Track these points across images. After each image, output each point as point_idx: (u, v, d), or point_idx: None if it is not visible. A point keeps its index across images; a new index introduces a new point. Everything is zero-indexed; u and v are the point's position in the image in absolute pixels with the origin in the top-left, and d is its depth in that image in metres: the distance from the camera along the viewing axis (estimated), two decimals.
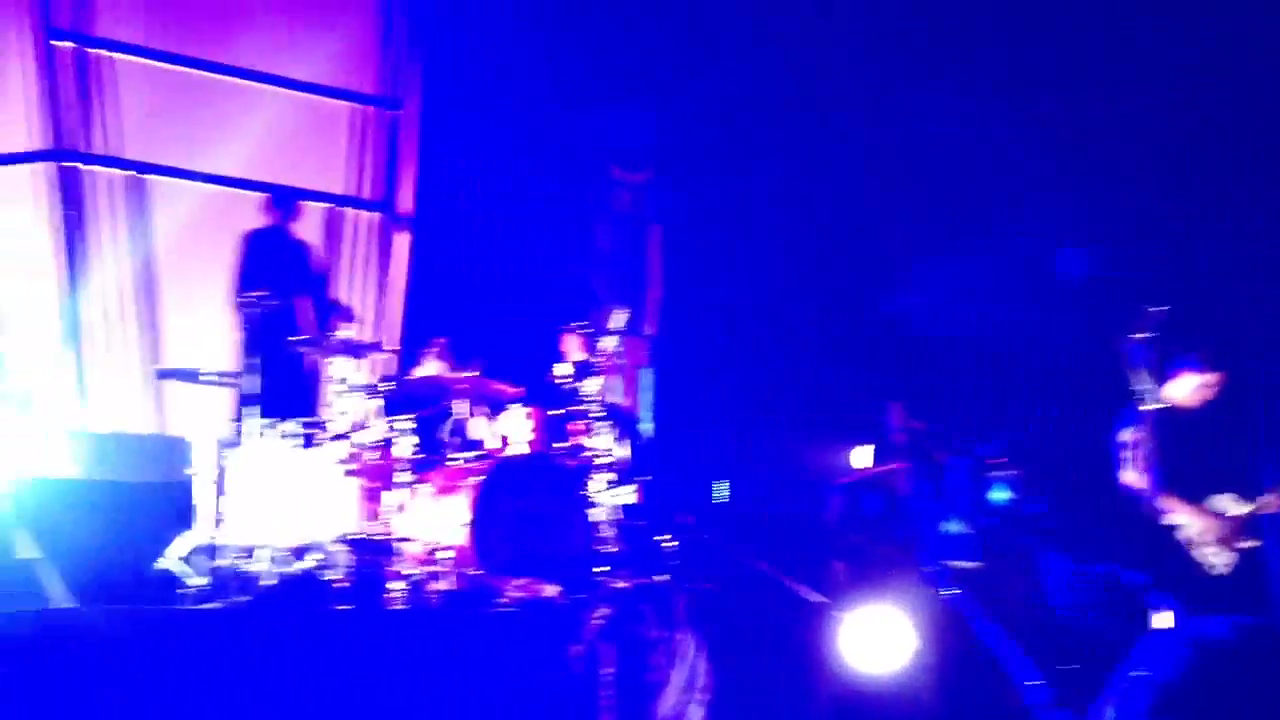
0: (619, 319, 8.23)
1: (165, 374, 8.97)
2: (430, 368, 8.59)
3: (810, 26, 10.71)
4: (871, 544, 8.02)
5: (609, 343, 8.01)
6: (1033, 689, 6.23)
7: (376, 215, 10.83)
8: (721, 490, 9.63)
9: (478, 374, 8.07)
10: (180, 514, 7.36)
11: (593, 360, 7.91)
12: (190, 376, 7.56)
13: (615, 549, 7.32)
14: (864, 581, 6.91)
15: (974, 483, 8.33)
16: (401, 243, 10.87)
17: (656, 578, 6.97)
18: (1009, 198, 10.49)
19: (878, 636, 6.25)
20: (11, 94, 9.49)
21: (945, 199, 10.55)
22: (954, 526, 7.94)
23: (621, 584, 6.92)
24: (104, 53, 9.70)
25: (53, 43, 9.49)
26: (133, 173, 9.76)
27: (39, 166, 9.50)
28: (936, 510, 8.08)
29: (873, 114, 10.72)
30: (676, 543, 7.58)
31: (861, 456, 9.09)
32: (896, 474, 8.81)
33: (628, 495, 7.94)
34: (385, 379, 8.45)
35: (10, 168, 9.54)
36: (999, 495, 8.23)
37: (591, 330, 8.13)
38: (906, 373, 10.18)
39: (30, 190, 9.49)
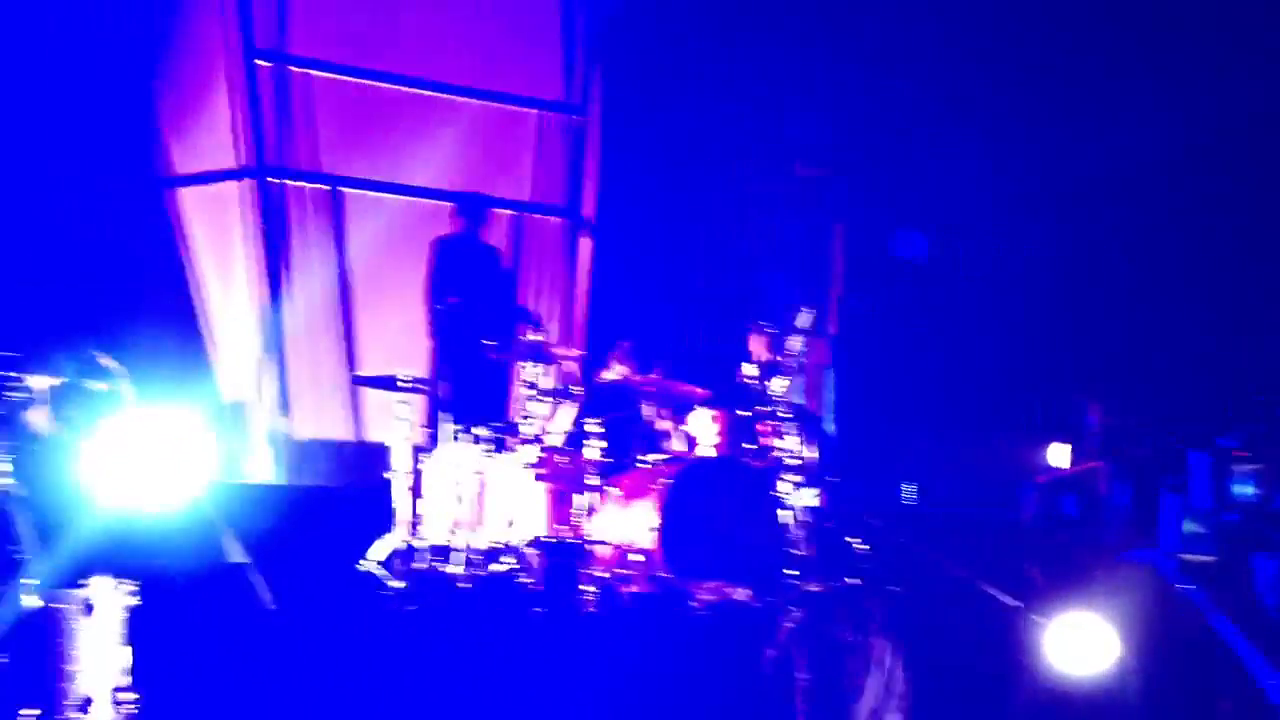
0: (805, 318, 8.18)
1: (362, 380, 9.20)
2: (616, 371, 8.66)
3: (996, 19, 10.51)
4: (1071, 546, 7.83)
5: (795, 342, 7.97)
6: (1274, 687, 6.00)
7: (559, 220, 10.97)
8: (910, 492, 9.50)
9: (664, 376, 8.11)
10: (379, 518, 7.57)
11: (779, 360, 7.88)
12: (387, 383, 7.74)
13: (805, 552, 7.29)
14: (1063, 585, 6.74)
15: (1215, 476, 8.04)
16: (585, 247, 10.99)
17: (849, 581, 6.92)
18: None
19: (1081, 642, 6.10)
20: (218, 114, 9.85)
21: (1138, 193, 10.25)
22: (1191, 523, 7.68)
23: (814, 587, 6.89)
24: (303, 70, 10.00)
25: (256, 62, 9.82)
26: (329, 186, 10.05)
27: (242, 183, 9.85)
28: (1174, 504, 7.81)
29: (1054, 110, 10.47)
30: (867, 546, 7.51)
31: (1058, 454, 8.85)
32: (1095, 472, 8.57)
33: (814, 497, 7.90)
34: (574, 383, 8.55)
35: (216, 185, 9.91)
36: (1242, 489, 7.91)
37: (777, 330, 8.10)
38: (1108, 367, 9.89)
39: (235, 206, 9.84)
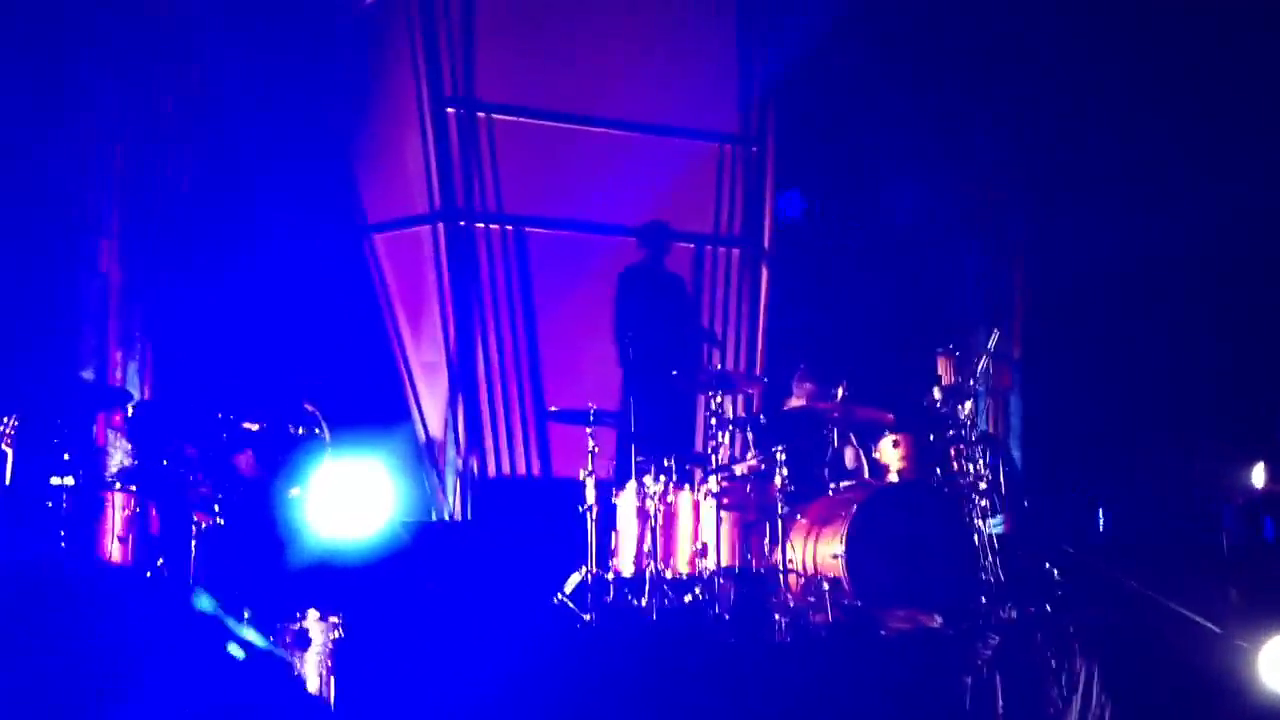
0: (991, 340, 8.12)
1: (553, 415, 9.39)
2: (801, 398, 8.67)
3: (1167, 36, 10.28)
4: (1272, 569, 7.57)
5: (980, 364, 7.91)
6: None
7: (738, 251, 11.04)
8: (1100, 518, 9.30)
9: (848, 402, 8.10)
10: (571, 552, 7.72)
11: (966, 383, 7.82)
12: (578, 417, 7.91)
13: (997, 577, 7.20)
14: (1265, 609, 6.53)
15: None
16: (764, 277, 11.05)
17: (1046, 607, 6.82)
18: None
19: None
20: (409, 161, 10.21)
21: None
22: None
23: (1010, 614, 6.80)
24: (488, 115, 10.29)
25: (446, 110, 10.15)
26: (514, 226, 10.31)
27: (433, 226, 10.17)
28: None
29: (1243, 114, 10.17)
30: (1058, 571, 7.39)
31: (1259, 474, 8.56)
32: None
33: (1003, 523, 7.79)
34: (758, 411, 8.61)
35: (409, 230, 10.26)
36: None
37: (960, 353, 8.03)
38: None
39: (427, 249, 10.17)
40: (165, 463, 6.63)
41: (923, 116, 11.04)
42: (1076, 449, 10.40)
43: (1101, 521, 9.33)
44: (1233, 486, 8.59)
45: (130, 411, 7.03)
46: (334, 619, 5.93)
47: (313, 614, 5.88)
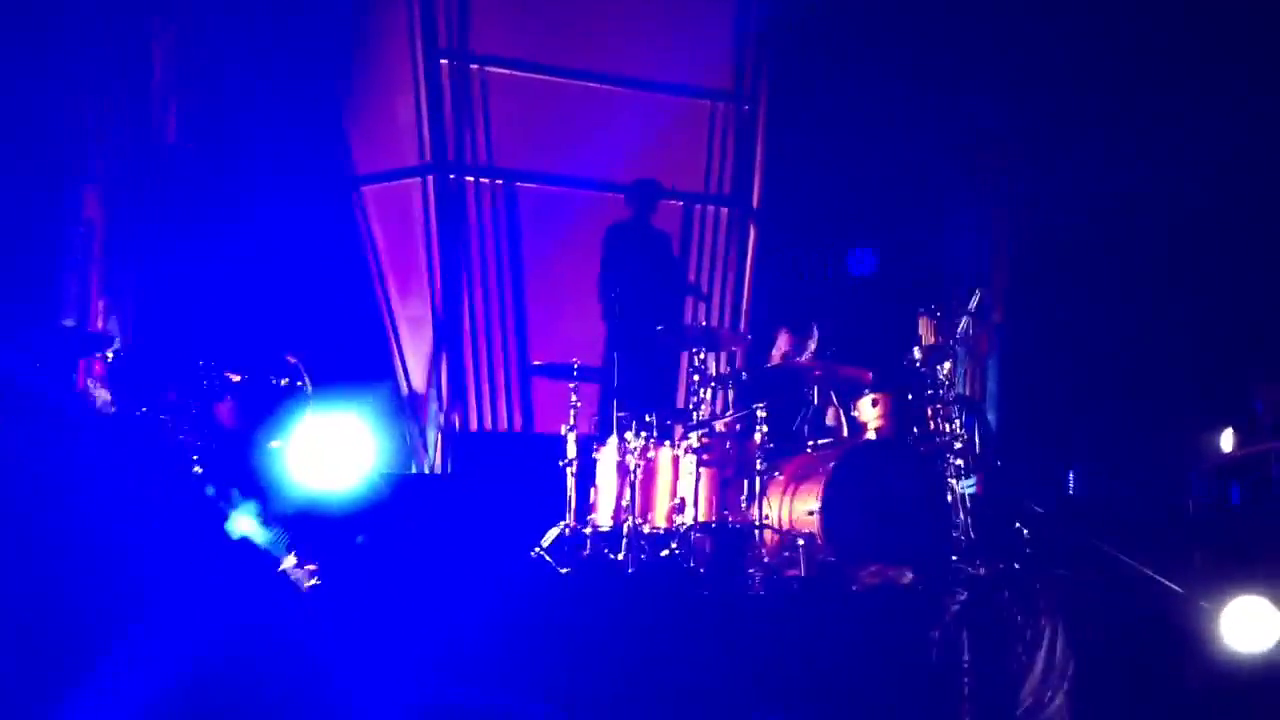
0: (973, 301, 8.15)
1: (536, 370, 9.44)
2: (781, 356, 8.72)
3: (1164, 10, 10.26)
4: (1238, 532, 7.64)
5: (961, 325, 7.95)
6: None
7: (725, 210, 11.06)
8: (1070, 481, 9.36)
9: (828, 360, 8.15)
10: (550, 506, 7.78)
11: (946, 343, 7.86)
12: (561, 371, 7.95)
13: (968, 536, 7.27)
14: (1230, 572, 6.60)
15: None
16: (751, 236, 11.07)
17: (1014, 565, 6.89)
18: None
19: (1248, 627, 5.98)
20: (400, 113, 10.21)
21: None
22: None
23: (979, 570, 6.87)
24: (481, 67, 10.28)
25: (440, 61, 10.13)
26: (505, 181, 10.32)
27: (422, 179, 10.18)
28: None
29: (1231, 81, 10.16)
30: (1027, 531, 7.45)
31: (1228, 440, 8.62)
32: (1265, 457, 8.33)
33: (976, 484, 7.85)
34: (740, 368, 8.65)
35: (398, 182, 10.27)
36: None
37: (942, 314, 8.07)
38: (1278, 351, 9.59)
39: (416, 202, 10.19)
40: (144, 409, 6.67)
41: (913, 80, 11.03)
42: (1050, 414, 10.47)
43: (1072, 484, 9.40)
44: (1201, 452, 8.66)
45: (110, 357, 7.07)
46: (311, 566, 5.99)
47: (289, 560, 5.94)
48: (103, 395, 7.91)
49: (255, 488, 6.92)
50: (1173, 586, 6.43)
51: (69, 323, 8.68)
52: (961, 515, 7.31)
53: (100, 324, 8.89)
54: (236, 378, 7.36)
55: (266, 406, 7.39)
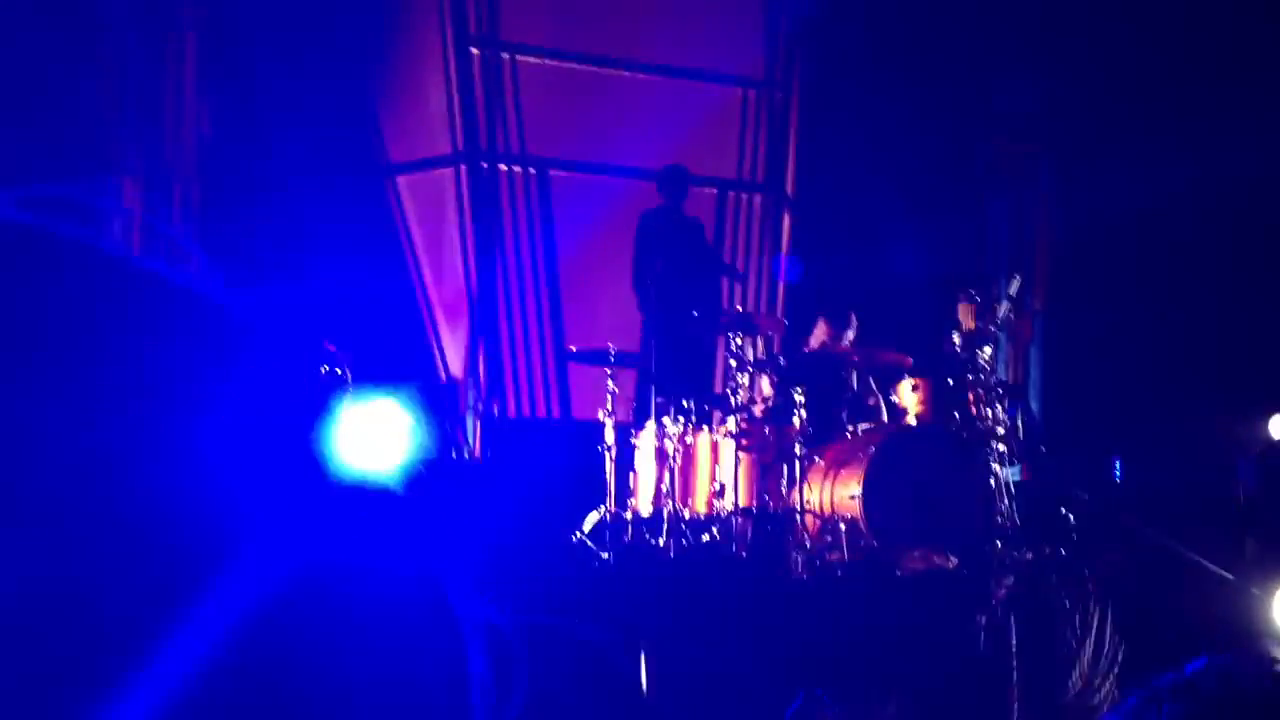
0: (1012, 286, 8.12)
1: (573, 356, 9.43)
2: (820, 340, 8.68)
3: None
4: None
5: (1001, 309, 7.92)
6: None
7: (759, 196, 11.04)
8: (1117, 469, 9.32)
9: (867, 345, 8.12)
10: (590, 492, 7.77)
11: (986, 329, 7.83)
12: (598, 358, 7.94)
13: (1014, 522, 7.24)
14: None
15: None
16: (785, 222, 11.05)
17: (1060, 550, 6.85)
18: None
19: None
20: (432, 101, 10.21)
21: None
22: None
23: (1025, 556, 6.84)
24: (512, 55, 10.28)
25: (470, 49, 10.13)
26: (537, 169, 10.31)
27: (455, 168, 10.18)
28: None
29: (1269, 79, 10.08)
30: (1073, 517, 7.42)
31: (1276, 426, 8.56)
32: None
33: (1020, 471, 7.81)
34: (779, 353, 8.63)
35: (431, 171, 10.27)
36: None
37: (981, 299, 8.04)
38: None
39: (449, 191, 10.19)
40: None
41: (949, 65, 10.97)
42: (1094, 400, 10.41)
43: (1118, 472, 9.35)
44: (1249, 438, 8.60)
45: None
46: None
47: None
48: None
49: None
50: (1223, 573, 6.40)
51: None
52: (1005, 500, 7.27)
53: None
54: None
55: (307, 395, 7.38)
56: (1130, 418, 9.95)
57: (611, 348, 7.89)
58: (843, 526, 7.14)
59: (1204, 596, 6.54)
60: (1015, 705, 6.01)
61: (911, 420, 7.79)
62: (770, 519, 7.41)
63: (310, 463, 0.70)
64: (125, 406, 0.60)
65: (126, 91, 9.23)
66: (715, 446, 7.71)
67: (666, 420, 7.78)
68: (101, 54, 9.14)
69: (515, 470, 8.67)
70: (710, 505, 7.58)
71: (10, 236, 0.64)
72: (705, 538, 7.36)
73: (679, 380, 8.23)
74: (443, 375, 10.11)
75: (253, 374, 0.67)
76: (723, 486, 7.55)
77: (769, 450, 7.66)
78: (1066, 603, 6.22)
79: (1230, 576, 6.55)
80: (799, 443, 7.46)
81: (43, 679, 0.55)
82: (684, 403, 7.85)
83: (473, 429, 9.95)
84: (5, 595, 0.55)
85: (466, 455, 9.76)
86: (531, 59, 10.36)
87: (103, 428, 0.59)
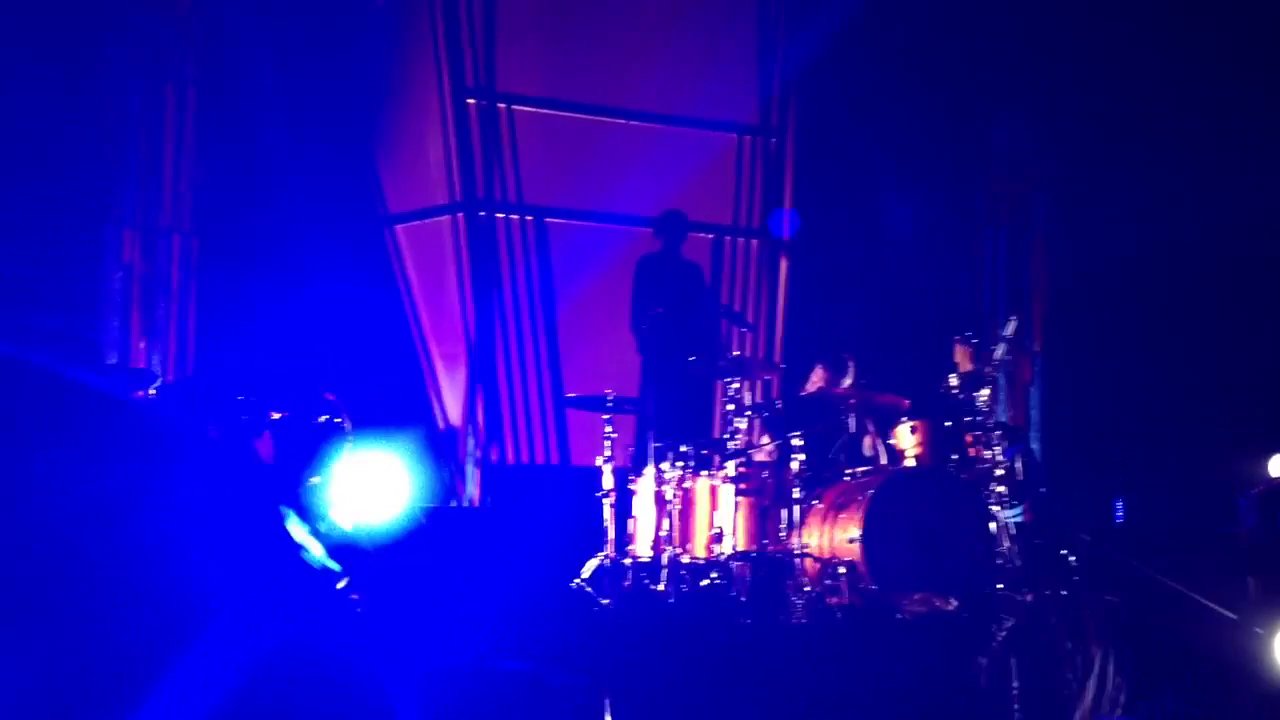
0: (1009, 327, 8.13)
1: (571, 402, 9.44)
2: (817, 384, 8.69)
3: (1196, 32, 10.25)
4: None
5: (998, 351, 7.92)
6: None
7: (755, 242, 11.08)
8: (1119, 509, 9.31)
9: (865, 389, 8.12)
10: (589, 538, 7.76)
11: (983, 370, 7.83)
12: (596, 403, 7.95)
13: (1013, 563, 7.22)
14: None
15: None
16: (783, 267, 11.08)
17: (1061, 592, 6.83)
18: None
19: None
20: (429, 152, 10.28)
21: None
22: None
23: (1026, 598, 6.82)
24: (508, 106, 10.35)
25: (467, 101, 10.21)
26: (534, 217, 10.36)
27: (453, 217, 10.23)
28: None
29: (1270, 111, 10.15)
30: (1075, 558, 7.39)
31: (1276, 465, 8.55)
32: None
33: (1020, 511, 7.79)
34: (775, 397, 8.63)
35: (430, 220, 10.33)
36: None
37: (978, 341, 8.05)
38: None
39: (448, 240, 10.23)
40: None
41: (945, 109, 11.05)
42: (1095, 440, 10.40)
43: (1120, 512, 9.33)
44: (1250, 477, 8.58)
45: (153, 394, 7.09)
46: (352, 597, 5.98)
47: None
48: None
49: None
50: (1225, 613, 6.38)
51: (111, 361, 8.74)
52: (1006, 542, 7.25)
53: (142, 365, 8.95)
54: (276, 415, 7.38)
55: (306, 443, 7.40)
56: (1131, 457, 9.94)
57: (609, 393, 7.89)
58: (842, 570, 7.11)
59: (1206, 636, 6.51)
60: None
61: (910, 462, 7.78)
62: (769, 563, 7.39)
63: (247, 551, 0.71)
64: (51, 512, 0.61)
65: (127, 144, 9.30)
66: (714, 491, 7.70)
67: (665, 465, 7.77)
68: (103, 106, 9.22)
69: (514, 517, 8.67)
70: (709, 550, 7.56)
71: None
72: (704, 582, 7.34)
73: (677, 425, 8.24)
74: (441, 423, 10.12)
75: (178, 473, 0.68)
76: (721, 531, 7.53)
77: (767, 494, 7.65)
78: (1068, 644, 6.19)
79: (1233, 616, 6.52)
80: (797, 486, 7.44)
81: None
82: (682, 447, 7.86)
83: (472, 476, 9.95)
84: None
85: (465, 503, 9.77)
86: (528, 109, 10.43)
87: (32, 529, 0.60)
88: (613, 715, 5.87)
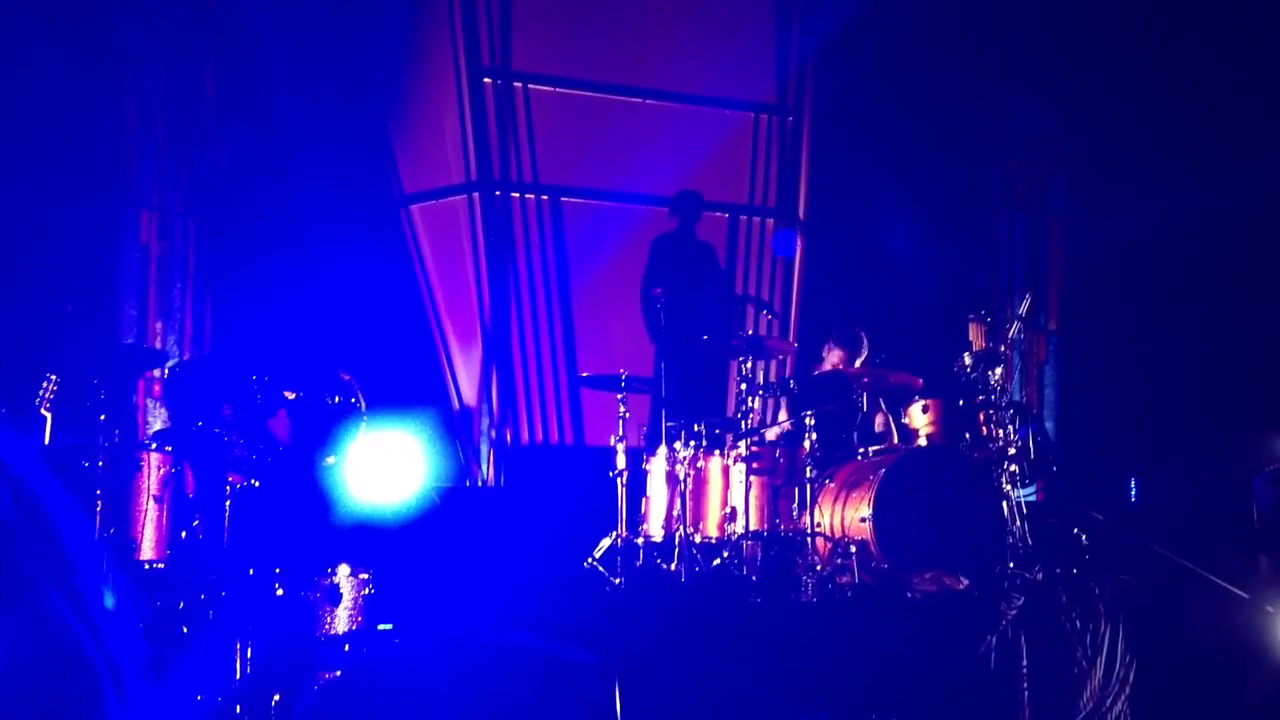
0: (1023, 305, 8.12)
1: (585, 382, 9.46)
2: (831, 363, 8.69)
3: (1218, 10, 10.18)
4: None
5: (1012, 330, 7.91)
6: None
7: (770, 220, 11.06)
8: (1133, 488, 9.30)
9: (878, 367, 8.12)
10: (602, 517, 7.79)
11: (997, 349, 7.82)
12: (610, 383, 7.97)
13: (1024, 542, 7.22)
14: None
15: None
16: (799, 246, 11.06)
17: (1072, 570, 6.83)
18: None
19: None
20: (445, 132, 10.29)
21: None
22: None
23: (1036, 576, 6.83)
24: (524, 85, 10.35)
25: (483, 80, 10.21)
26: (550, 196, 10.38)
27: (468, 197, 10.25)
28: None
29: None
30: (1085, 537, 7.40)
31: None
32: None
33: (1034, 492, 7.78)
34: (789, 376, 8.63)
35: (445, 200, 10.35)
36: None
37: (993, 319, 8.03)
38: None
39: (463, 219, 10.26)
40: (200, 424, 6.74)
41: (963, 88, 11.00)
42: (1110, 420, 10.39)
43: (1134, 491, 9.32)
44: (1264, 457, 8.57)
45: (167, 373, 7.14)
46: (364, 575, 6.04)
47: (344, 569, 5.99)
48: (161, 415, 8.01)
49: (311, 502, 6.98)
50: (1236, 592, 6.38)
51: (128, 341, 8.81)
52: (1017, 521, 7.25)
53: (158, 345, 9.01)
54: (292, 395, 7.42)
55: (321, 423, 7.45)
56: (1145, 436, 9.92)
57: (623, 373, 7.91)
58: (853, 549, 7.14)
59: (1217, 615, 6.51)
60: None
61: (922, 441, 7.78)
62: (781, 542, 7.41)
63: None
64: None
65: (145, 124, 9.34)
66: (726, 470, 7.72)
67: (678, 444, 7.79)
68: (121, 87, 9.26)
69: (528, 497, 8.71)
70: (721, 529, 7.59)
71: None
72: (716, 562, 7.36)
73: (690, 404, 8.26)
74: (456, 402, 10.16)
75: None
76: (734, 510, 7.56)
77: (780, 474, 7.67)
78: (1077, 622, 6.20)
79: (1244, 595, 6.52)
80: (809, 466, 7.45)
81: None
82: (695, 426, 7.87)
83: (486, 456, 9.99)
84: None
85: (480, 482, 9.81)
86: (544, 88, 10.43)
87: None
88: (624, 693, 5.90)
